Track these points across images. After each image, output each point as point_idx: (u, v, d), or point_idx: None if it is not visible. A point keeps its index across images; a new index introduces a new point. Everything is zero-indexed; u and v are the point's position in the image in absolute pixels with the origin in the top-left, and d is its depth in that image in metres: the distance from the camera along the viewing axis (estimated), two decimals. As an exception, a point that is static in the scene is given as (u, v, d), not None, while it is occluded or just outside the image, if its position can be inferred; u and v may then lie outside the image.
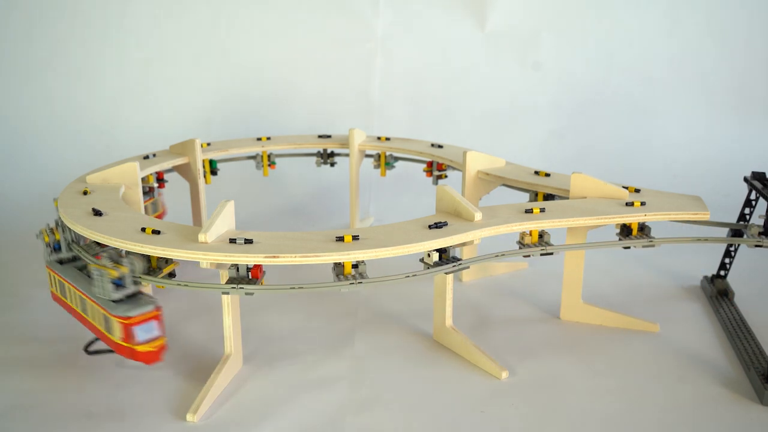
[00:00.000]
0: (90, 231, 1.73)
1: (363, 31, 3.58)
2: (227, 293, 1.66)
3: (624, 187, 2.01)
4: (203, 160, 2.51)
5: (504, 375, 1.80)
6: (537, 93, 3.67)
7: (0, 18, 3.40)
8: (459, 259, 1.77)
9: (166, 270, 1.71)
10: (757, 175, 2.12)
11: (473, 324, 2.09)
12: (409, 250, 1.65)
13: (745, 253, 2.24)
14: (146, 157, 2.40)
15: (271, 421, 1.63)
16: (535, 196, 2.14)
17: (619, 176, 2.39)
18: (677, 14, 3.63)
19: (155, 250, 1.62)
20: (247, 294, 1.63)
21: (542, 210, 1.88)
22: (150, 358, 1.65)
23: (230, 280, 1.65)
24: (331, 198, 3.27)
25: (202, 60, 3.56)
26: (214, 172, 2.58)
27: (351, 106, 3.61)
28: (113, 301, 1.63)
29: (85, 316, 1.78)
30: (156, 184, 2.37)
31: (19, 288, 2.33)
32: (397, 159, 2.69)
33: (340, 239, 1.67)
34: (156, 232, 1.70)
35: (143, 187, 2.27)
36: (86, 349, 1.90)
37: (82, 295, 1.75)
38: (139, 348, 1.62)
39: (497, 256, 1.84)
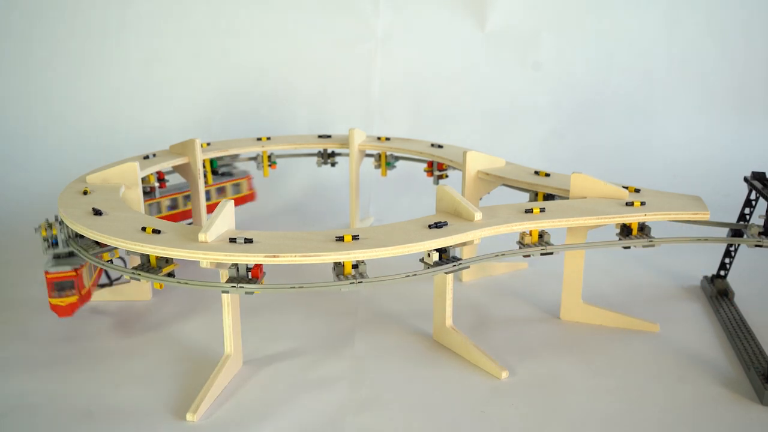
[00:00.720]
0: (90, 230, 1.73)
1: (363, 31, 3.58)
2: (227, 292, 1.66)
3: (624, 187, 2.01)
4: (204, 160, 2.51)
5: (504, 375, 1.80)
6: (537, 93, 3.67)
7: (0, 18, 3.40)
8: (459, 259, 1.77)
9: (165, 270, 1.71)
10: (757, 175, 2.12)
11: (473, 324, 2.09)
12: (409, 250, 1.65)
13: (745, 253, 2.24)
14: (146, 157, 2.40)
15: (271, 421, 1.63)
16: (535, 196, 2.14)
17: (619, 176, 2.39)
18: (677, 14, 3.63)
19: (155, 249, 1.63)
20: (247, 293, 1.63)
21: (542, 210, 1.88)
22: (60, 311, 1.95)
23: (230, 280, 1.65)
24: (331, 198, 3.27)
25: (202, 60, 3.56)
26: (215, 172, 2.58)
27: (351, 106, 3.62)
28: (53, 258, 1.95)
29: None
30: (157, 184, 2.37)
31: (19, 287, 2.33)
32: (397, 159, 2.69)
33: (340, 239, 1.67)
34: (156, 231, 1.70)
35: (144, 187, 2.27)
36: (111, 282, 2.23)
37: None
38: (52, 300, 1.94)
39: (497, 256, 1.84)
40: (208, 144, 2.62)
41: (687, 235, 1.99)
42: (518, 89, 3.66)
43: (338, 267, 1.70)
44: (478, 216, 1.79)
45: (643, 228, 1.94)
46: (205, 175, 2.52)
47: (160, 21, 3.50)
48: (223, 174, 2.69)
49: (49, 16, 3.42)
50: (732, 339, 1.96)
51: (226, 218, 1.72)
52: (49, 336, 2.02)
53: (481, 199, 2.29)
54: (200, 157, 2.46)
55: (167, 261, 1.72)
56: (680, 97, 3.68)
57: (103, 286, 2.20)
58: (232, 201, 1.77)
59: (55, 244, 1.95)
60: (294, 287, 1.65)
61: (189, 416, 1.62)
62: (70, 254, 1.96)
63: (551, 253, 1.87)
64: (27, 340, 2.00)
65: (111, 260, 1.86)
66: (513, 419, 1.64)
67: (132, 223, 1.77)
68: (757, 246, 1.95)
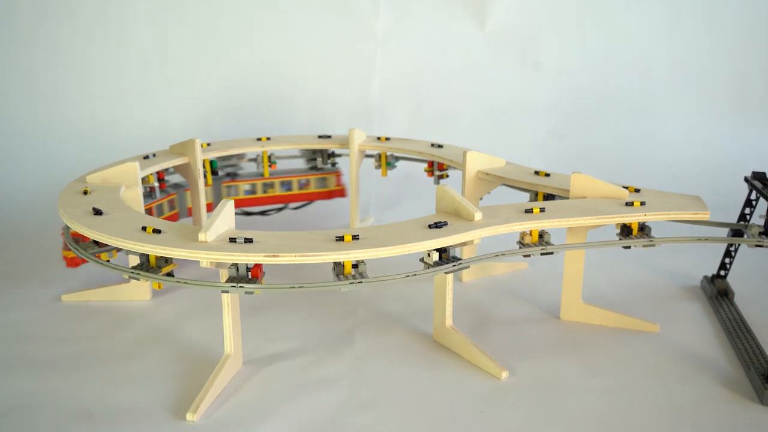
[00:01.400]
0: (90, 230, 1.73)
1: (363, 32, 3.58)
2: (227, 291, 1.66)
3: (624, 187, 2.01)
4: (204, 160, 2.51)
5: (504, 375, 1.80)
6: (537, 93, 3.67)
7: (1, 18, 3.40)
8: (459, 259, 1.77)
9: (165, 270, 1.71)
10: (758, 175, 2.12)
11: (473, 324, 2.09)
12: (409, 250, 1.65)
13: (745, 253, 2.24)
14: (146, 157, 2.40)
15: (271, 421, 1.63)
16: (535, 196, 2.14)
17: (619, 176, 2.39)
18: (677, 14, 3.63)
19: (155, 249, 1.63)
20: (246, 293, 1.63)
21: (542, 210, 1.88)
22: (69, 262, 2.22)
23: (230, 280, 1.65)
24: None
25: (202, 60, 3.56)
26: (215, 172, 2.58)
27: (351, 106, 3.61)
28: None
29: None
30: (157, 184, 2.37)
31: (19, 287, 2.33)
32: (397, 159, 2.69)
33: (340, 239, 1.66)
34: (156, 231, 1.70)
35: (144, 188, 2.27)
36: None
37: None
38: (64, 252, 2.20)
39: (497, 255, 1.84)
40: (208, 144, 2.61)
41: (687, 235, 1.99)
42: (518, 89, 3.66)
43: (338, 267, 1.70)
44: (478, 216, 1.79)
45: (643, 228, 1.94)
46: (205, 176, 2.52)
47: (161, 21, 3.50)
48: (312, 168, 2.66)
49: (49, 16, 3.42)
50: (732, 339, 1.96)
51: (226, 218, 1.72)
52: (49, 336, 2.02)
53: (481, 199, 2.29)
54: (200, 157, 2.46)
55: (167, 261, 1.73)
56: (680, 97, 3.68)
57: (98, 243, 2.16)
58: (232, 201, 1.76)
59: None
60: (294, 287, 1.65)
61: (189, 416, 1.62)
62: None
63: (551, 253, 1.87)
64: (27, 340, 2.00)
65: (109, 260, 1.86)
66: (513, 419, 1.64)
67: (132, 222, 1.77)
68: (757, 246, 1.95)
